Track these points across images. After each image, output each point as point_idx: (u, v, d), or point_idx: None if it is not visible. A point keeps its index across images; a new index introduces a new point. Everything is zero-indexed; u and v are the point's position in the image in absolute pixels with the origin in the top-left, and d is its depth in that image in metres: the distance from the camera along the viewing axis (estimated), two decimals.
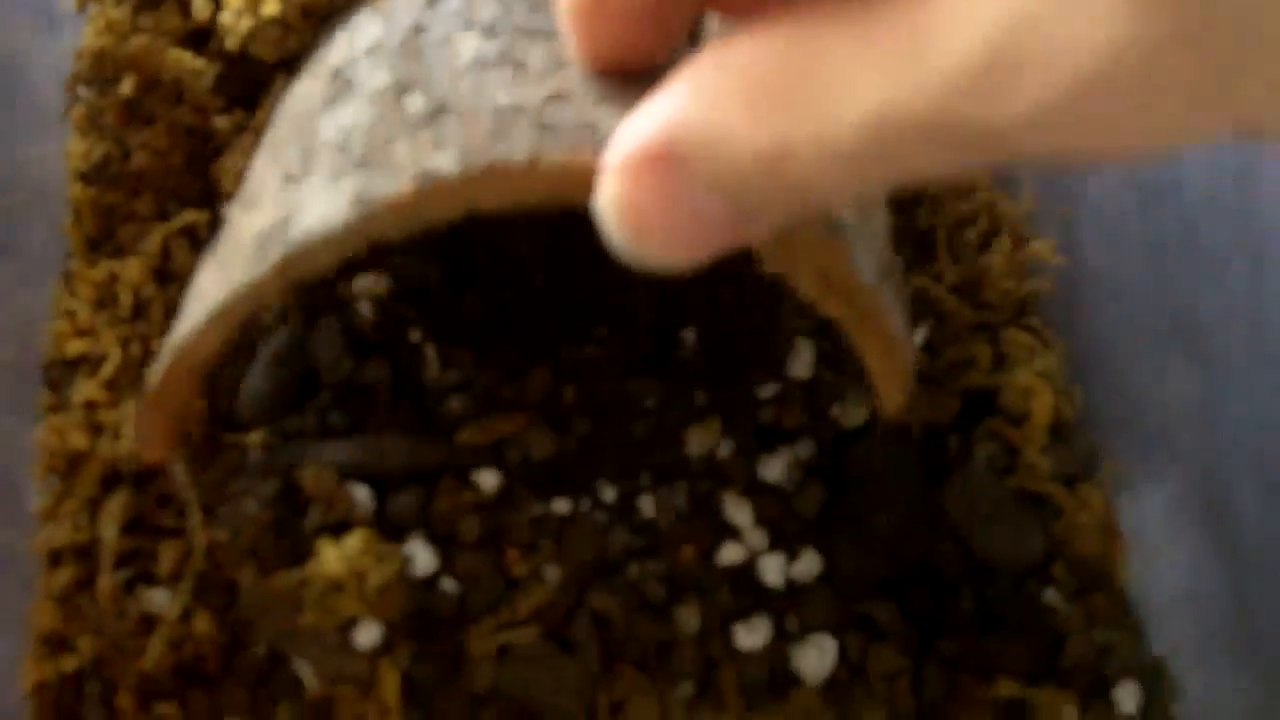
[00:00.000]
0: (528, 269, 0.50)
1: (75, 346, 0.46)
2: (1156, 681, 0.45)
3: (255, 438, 0.46)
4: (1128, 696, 0.45)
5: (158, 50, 0.50)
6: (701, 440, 0.48)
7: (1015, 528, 0.47)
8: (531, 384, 0.48)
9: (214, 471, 0.45)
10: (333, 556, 0.42)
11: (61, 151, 0.50)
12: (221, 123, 0.51)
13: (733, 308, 0.51)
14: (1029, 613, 0.46)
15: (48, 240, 0.50)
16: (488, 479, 0.46)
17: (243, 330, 0.47)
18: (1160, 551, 0.46)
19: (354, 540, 0.43)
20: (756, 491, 0.47)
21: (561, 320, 0.50)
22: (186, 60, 0.50)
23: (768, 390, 0.49)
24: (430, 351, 0.49)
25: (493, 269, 0.49)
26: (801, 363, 0.50)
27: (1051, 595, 0.46)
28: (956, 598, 0.46)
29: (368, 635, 0.43)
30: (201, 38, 0.52)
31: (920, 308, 0.51)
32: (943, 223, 0.52)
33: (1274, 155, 0.45)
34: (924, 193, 0.54)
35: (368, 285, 0.50)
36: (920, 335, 0.51)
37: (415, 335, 0.49)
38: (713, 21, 0.28)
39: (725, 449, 0.48)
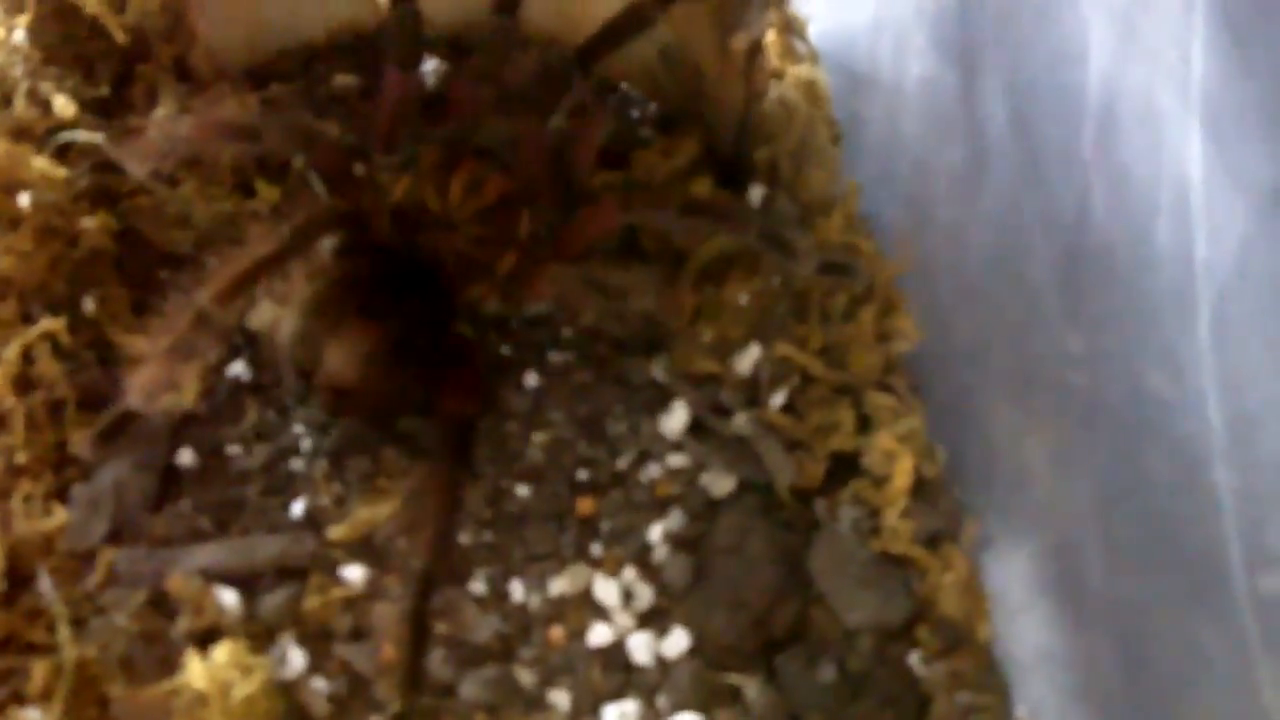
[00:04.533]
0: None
1: None
2: None
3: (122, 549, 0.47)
4: None
5: (19, 158, 0.50)
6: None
7: (879, 591, 0.48)
8: (400, 470, 0.49)
9: (82, 583, 0.46)
10: (198, 671, 0.43)
11: None
12: (88, 223, 0.51)
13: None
14: (894, 678, 0.47)
15: None
16: (356, 573, 0.47)
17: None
18: (1022, 610, 0.47)
19: (220, 653, 0.43)
20: (627, 569, 0.48)
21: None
22: (49, 169, 0.50)
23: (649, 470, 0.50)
24: (305, 439, 0.49)
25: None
26: (675, 422, 0.51)
27: (916, 658, 0.47)
28: (822, 667, 0.46)
29: None
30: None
31: (785, 370, 0.52)
32: (818, 284, 0.53)
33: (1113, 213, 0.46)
34: None
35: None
36: (781, 396, 0.51)
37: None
38: None
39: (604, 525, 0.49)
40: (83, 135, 0.50)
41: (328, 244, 0.49)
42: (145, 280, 0.52)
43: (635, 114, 0.61)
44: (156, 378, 0.44)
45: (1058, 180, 0.49)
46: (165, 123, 0.53)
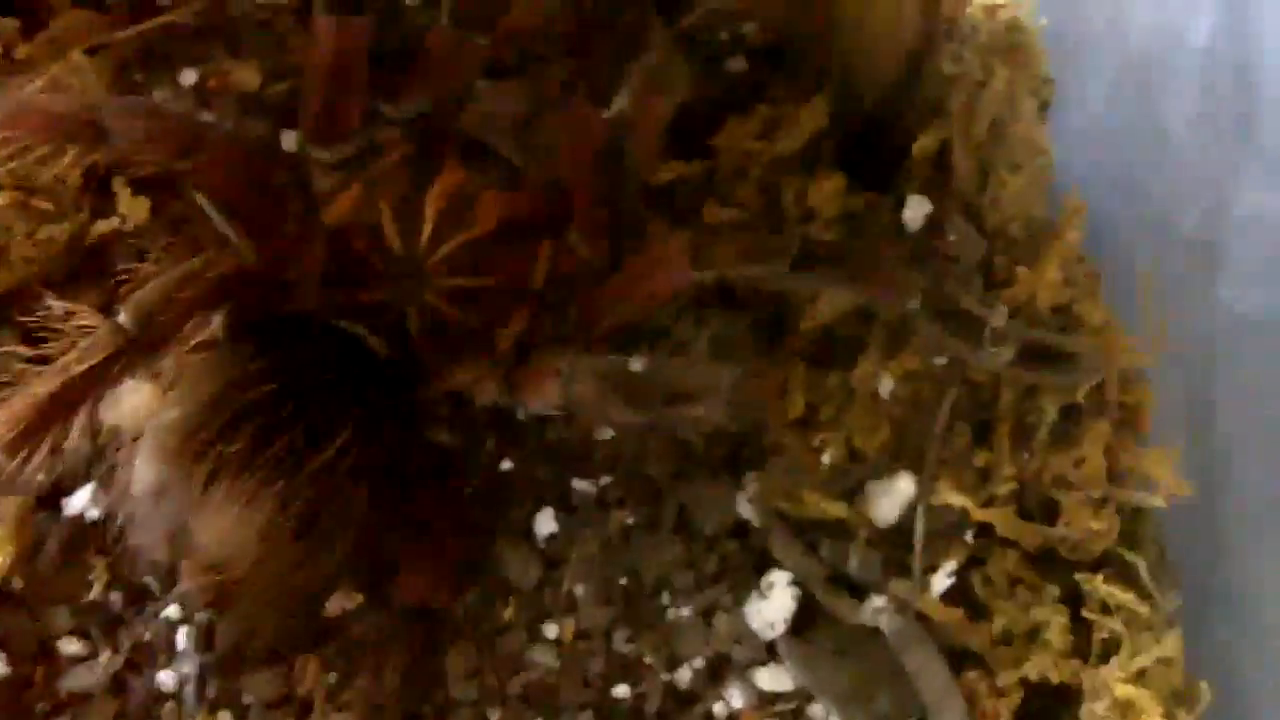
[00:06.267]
0: None
1: None
2: None
3: None
4: None
5: None
6: None
7: None
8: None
9: None
10: None
11: None
12: None
13: None
14: None
15: None
16: None
17: None
18: None
19: None
20: None
21: None
22: None
23: None
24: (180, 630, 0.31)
25: None
26: (772, 607, 0.32)
27: None
28: None
29: None
30: None
31: (953, 524, 0.32)
32: (1012, 379, 0.33)
33: None
34: None
35: None
36: (947, 571, 0.32)
37: None
38: None
39: None
40: None
41: (216, 319, 0.30)
42: None
43: (723, 36, 0.40)
44: None
45: None
46: None
